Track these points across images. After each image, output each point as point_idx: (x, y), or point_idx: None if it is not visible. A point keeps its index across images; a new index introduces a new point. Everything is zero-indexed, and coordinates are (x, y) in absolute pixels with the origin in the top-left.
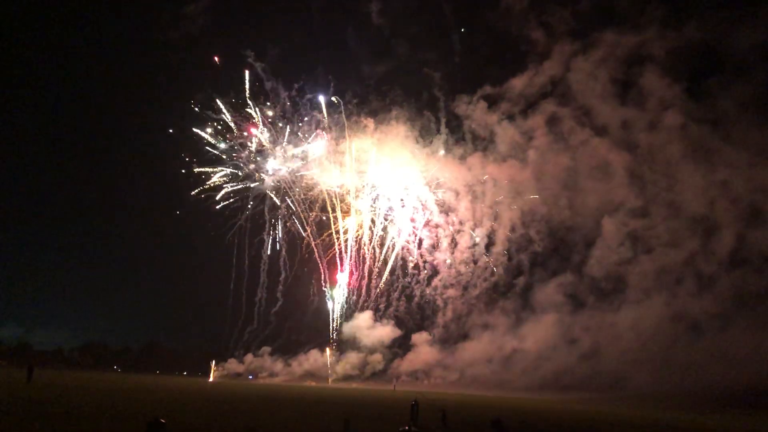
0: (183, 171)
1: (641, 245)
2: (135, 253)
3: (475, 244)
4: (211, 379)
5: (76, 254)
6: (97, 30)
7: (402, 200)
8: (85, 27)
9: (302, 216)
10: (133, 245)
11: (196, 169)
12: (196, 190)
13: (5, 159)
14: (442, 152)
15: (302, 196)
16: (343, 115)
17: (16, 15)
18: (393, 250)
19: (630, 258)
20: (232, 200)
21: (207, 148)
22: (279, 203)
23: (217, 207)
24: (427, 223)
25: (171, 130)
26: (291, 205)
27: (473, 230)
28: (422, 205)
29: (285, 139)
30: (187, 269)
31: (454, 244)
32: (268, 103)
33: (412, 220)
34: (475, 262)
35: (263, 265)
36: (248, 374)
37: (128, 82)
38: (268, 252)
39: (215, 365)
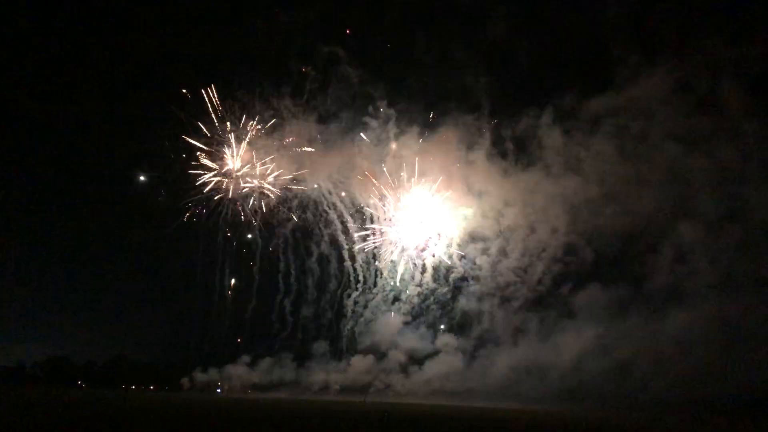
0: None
1: (703, 253)
2: (101, 264)
3: (526, 253)
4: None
5: (36, 264)
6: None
7: (446, 210)
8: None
9: (346, 225)
10: (101, 255)
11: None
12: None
13: None
14: (487, 162)
15: (350, 205)
16: (391, 125)
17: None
18: (433, 258)
19: (689, 266)
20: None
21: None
22: (325, 212)
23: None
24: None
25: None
26: (336, 214)
27: (524, 239)
28: (466, 215)
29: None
30: (154, 278)
31: (504, 253)
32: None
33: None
34: (525, 271)
35: (313, 276)
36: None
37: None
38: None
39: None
